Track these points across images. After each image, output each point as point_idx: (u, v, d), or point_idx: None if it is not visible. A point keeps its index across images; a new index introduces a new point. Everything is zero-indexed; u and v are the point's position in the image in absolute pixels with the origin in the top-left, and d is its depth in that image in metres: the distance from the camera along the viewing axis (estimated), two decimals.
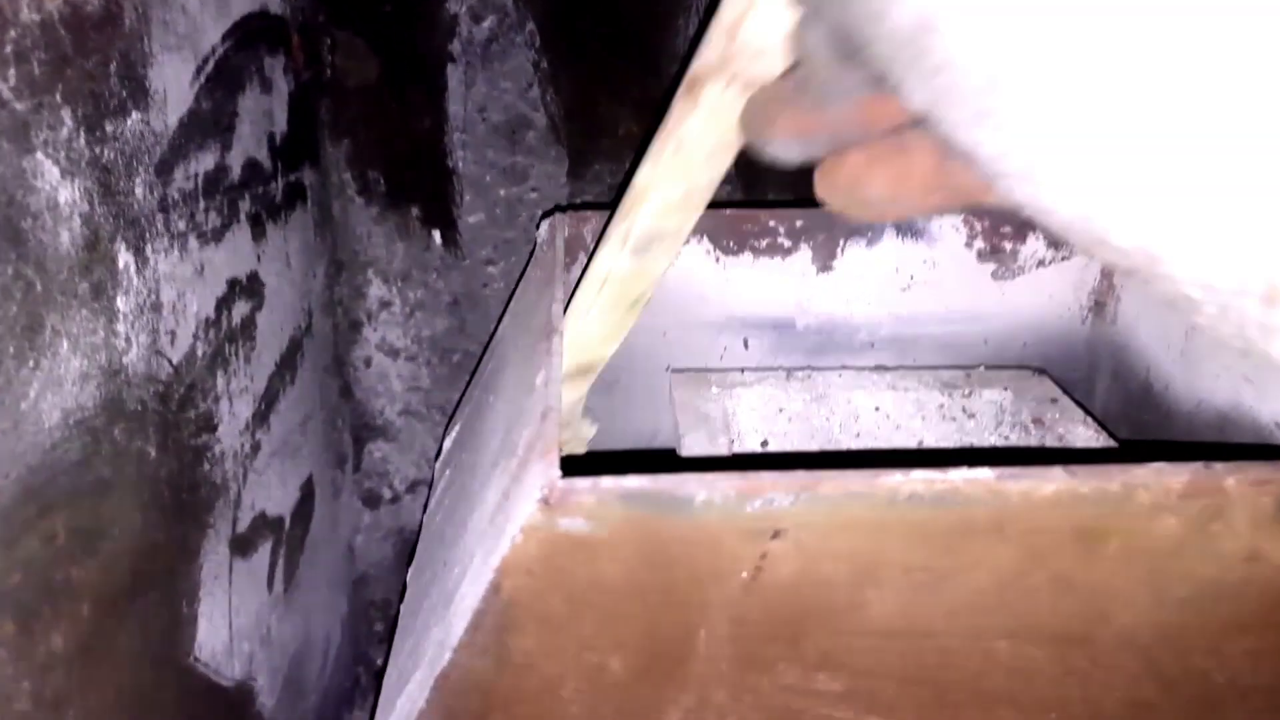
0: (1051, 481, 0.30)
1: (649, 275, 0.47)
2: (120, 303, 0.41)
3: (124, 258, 0.41)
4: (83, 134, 0.38)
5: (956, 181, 0.31)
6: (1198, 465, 0.31)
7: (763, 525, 0.30)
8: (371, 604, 0.80)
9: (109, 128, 0.40)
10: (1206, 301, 0.23)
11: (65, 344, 0.37)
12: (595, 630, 0.32)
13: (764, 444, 0.48)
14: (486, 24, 0.69)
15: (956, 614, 0.32)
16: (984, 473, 0.30)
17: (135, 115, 0.42)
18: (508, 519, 0.32)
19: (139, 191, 0.43)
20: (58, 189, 0.36)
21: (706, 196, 0.45)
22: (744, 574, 0.31)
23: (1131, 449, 0.44)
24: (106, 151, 0.40)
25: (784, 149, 0.36)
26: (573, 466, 0.31)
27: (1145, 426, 0.52)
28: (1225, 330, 0.24)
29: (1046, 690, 0.34)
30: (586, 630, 0.31)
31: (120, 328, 0.41)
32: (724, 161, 0.43)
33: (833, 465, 0.31)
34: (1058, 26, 0.22)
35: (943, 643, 0.33)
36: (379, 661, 0.80)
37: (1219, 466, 0.31)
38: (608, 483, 0.30)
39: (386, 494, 0.79)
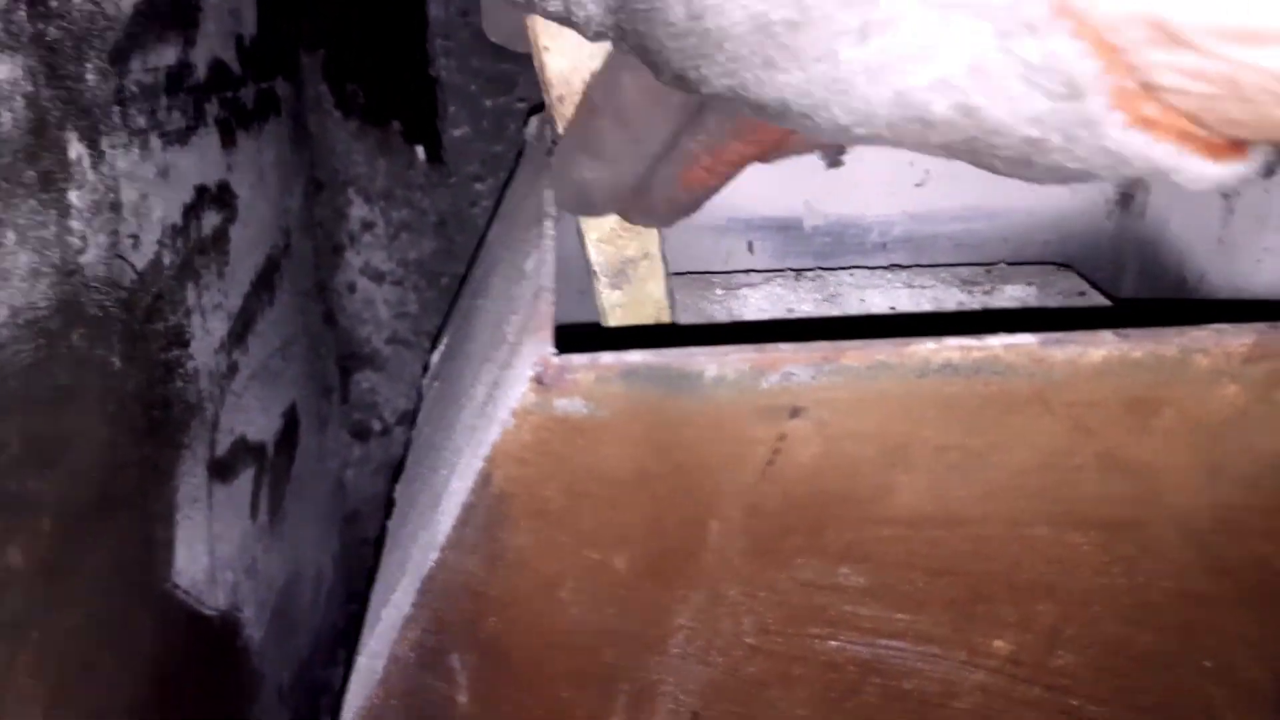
0: (1101, 346, 0.27)
1: (650, 300, 0.45)
2: (74, 197, 0.38)
3: (76, 148, 0.38)
4: (24, 5, 0.34)
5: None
6: (1263, 325, 0.28)
7: (780, 403, 0.27)
8: (365, 541, 0.77)
9: (53, 2, 0.36)
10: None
11: (11, 235, 0.33)
12: (596, 524, 0.29)
13: None
14: None
15: (993, 498, 0.29)
16: (1026, 339, 0.27)
17: None
18: (497, 406, 0.29)
19: (90, 78, 0.39)
20: None
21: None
22: (760, 458, 0.28)
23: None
24: (51, 29, 0.36)
25: (651, 224, 0.40)
26: (570, 343, 0.28)
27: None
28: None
29: (1089, 581, 0.31)
30: (586, 524, 0.29)
31: (75, 224, 0.38)
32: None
33: (857, 334, 0.28)
34: None
35: (977, 530, 0.30)
36: None
37: None
38: (608, 358, 0.27)
39: (376, 426, 0.76)
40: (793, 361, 0.27)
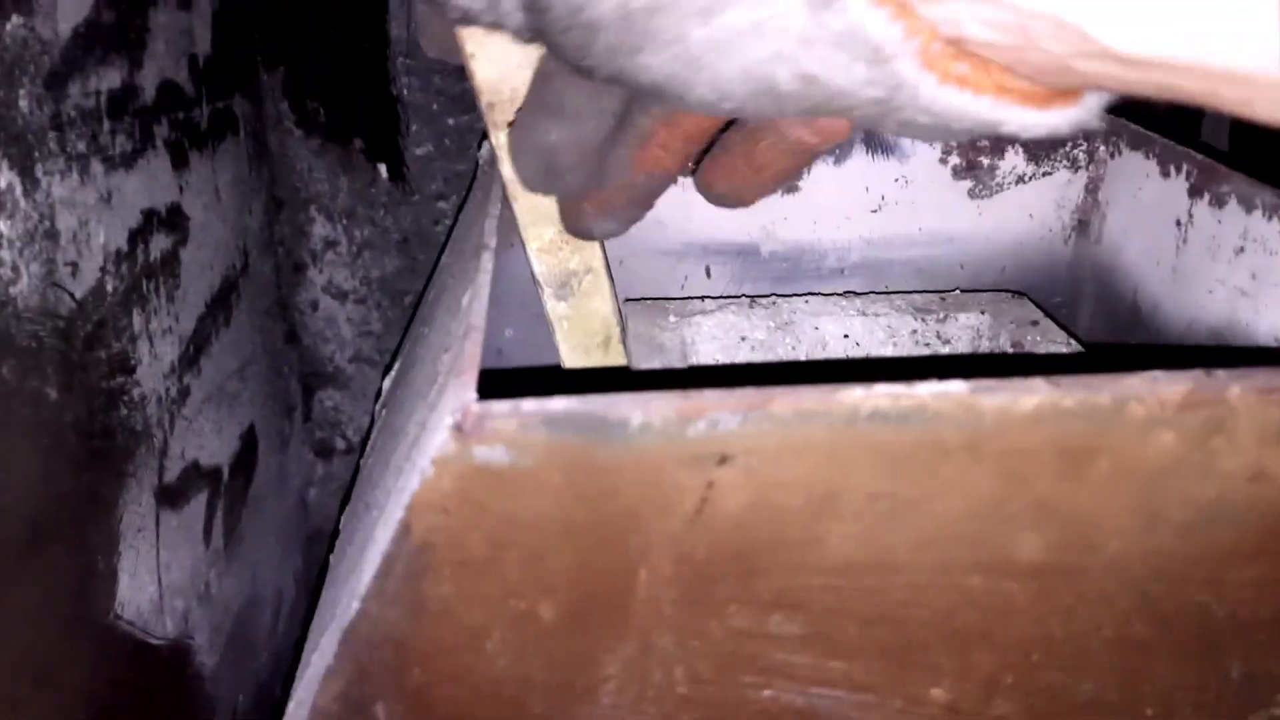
0: (1033, 394, 0.27)
1: (596, 315, 0.45)
2: (3, 227, 0.37)
3: (6, 177, 0.37)
4: None
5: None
6: (1198, 373, 0.27)
7: (708, 450, 0.27)
8: (326, 559, 0.77)
9: None
10: None
11: None
12: (521, 574, 0.28)
13: None
14: None
15: (925, 546, 0.29)
16: (956, 386, 0.27)
17: (16, 19, 0.38)
18: (420, 451, 0.29)
19: (23, 104, 0.38)
20: None
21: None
22: (688, 506, 0.28)
23: (1113, 354, 0.41)
24: None
25: (605, 226, 0.40)
26: (493, 388, 0.27)
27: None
28: None
29: (1027, 629, 0.30)
30: (511, 574, 0.28)
31: (5, 255, 0.37)
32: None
33: (786, 380, 0.27)
34: None
35: (910, 578, 0.29)
36: None
37: (1221, 374, 0.27)
38: (530, 405, 0.26)
39: (340, 444, 0.75)
40: (719, 408, 0.27)
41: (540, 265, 0.44)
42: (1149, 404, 0.27)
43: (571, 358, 0.47)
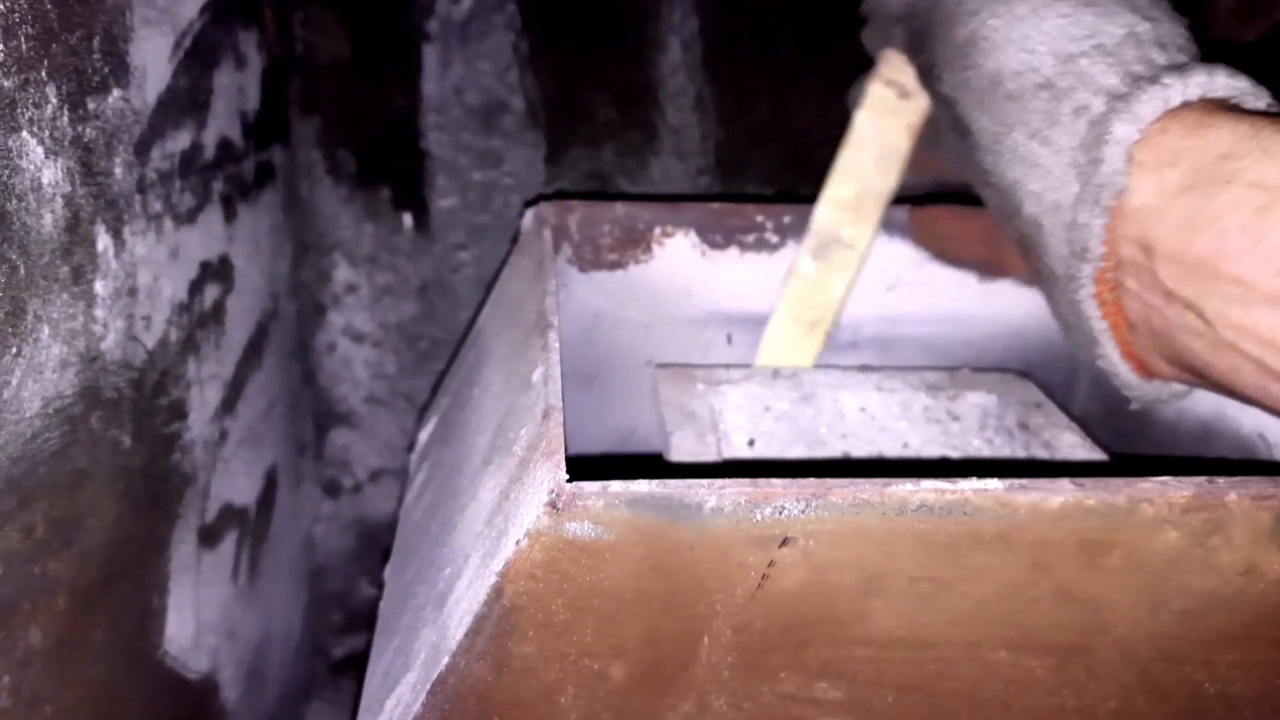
0: (1059, 494, 0.30)
1: (828, 290, 0.49)
2: (99, 287, 0.40)
3: (103, 240, 0.40)
4: (66, 111, 0.36)
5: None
6: (1201, 480, 0.31)
7: (771, 533, 0.30)
8: (330, 595, 0.79)
9: (91, 105, 0.39)
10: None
11: (46, 330, 0.35)
12: (597, 637, 0.31)
13: (751, 443, 0.48)
14: (466, 3, 0.68)
15: (958, 624, 0.32)
16: (994, 484, 0.30)
17: (116, 92, 0.41)
18: (509, 521, 0.32)
19: (118, 172, 0.41)
20: (41, 169, 0.34)
21: (877, 207, 0.49)
22: (751, 581, 0.31)
23: (1122, 461, 0.45)
24: (89, 130, 0.38)
25: None
26: (575, 470, 0.30)
27: (1126, 434, 0.53)
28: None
29: (1042, 700, 0.34)
30: (588, 637, 0.31)
31: (99, 313, 0.40)
32: (892, 168, 0.49)
33: (840, 474, 0.30)
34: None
35: (943, 653, 0.32)
36: (337, 653, 0.79)
37: (1222, 481, 0.31)
38: (616, 487, 0.29)
39: (348, 483, 0.78)
40: (784, 496, 0.30)
41: (821, 214, 0.49)
42: (1158, 505, 0.31)
43: (778, 322, 0.52)
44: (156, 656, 0.46)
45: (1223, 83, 0.34)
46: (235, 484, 0.57)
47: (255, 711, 0.62)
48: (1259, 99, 0.34)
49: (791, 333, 0.52)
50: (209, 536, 0.53)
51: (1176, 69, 0.34)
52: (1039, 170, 0.36)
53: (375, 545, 0.78)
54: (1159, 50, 0.36)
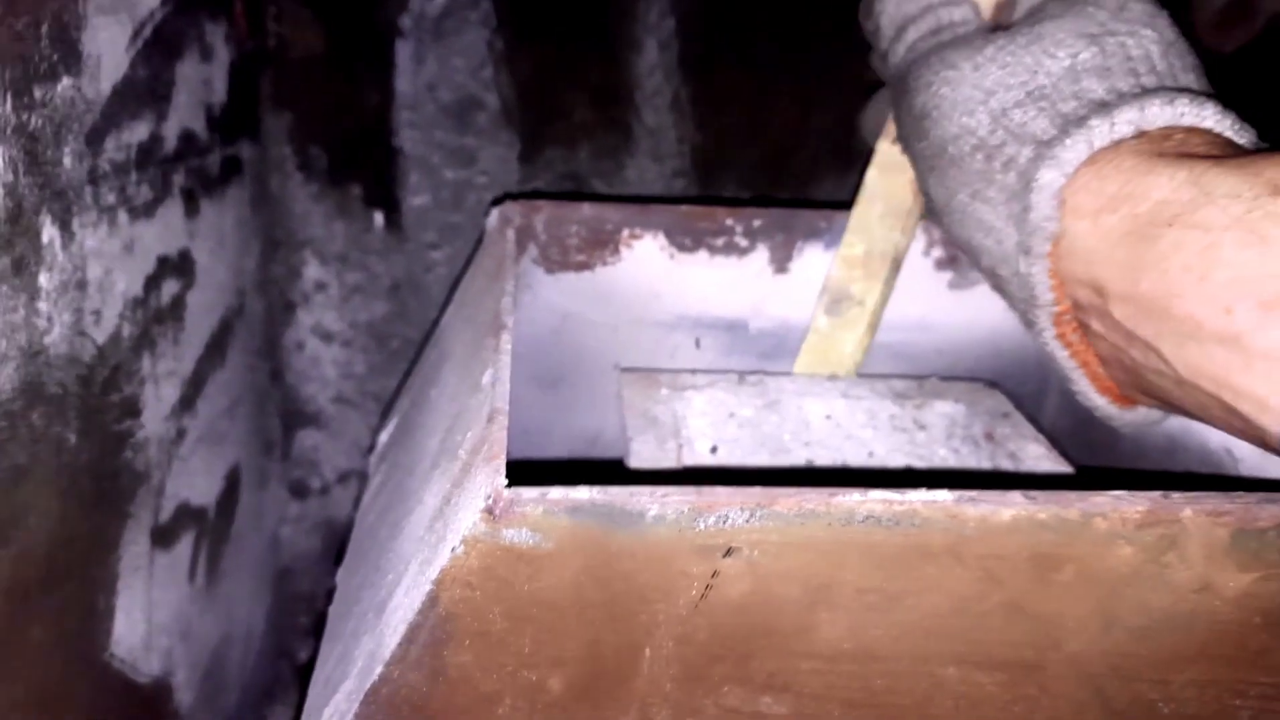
0: (1010, 507, 0.30)
1: (841, 345, 0.49)
2: (43, 280, 0.39)
3: (49, 232, 0.39)
4: (9, 99, 0.36)
5: None
6: (1156, 494, 0.30)
7: (715, 542, 0.29)
8: (296, 596, 0.78)
9: (38, 93, 0.38)
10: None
11: None
12: (535, 646, 0.30)
13: (713, 450, 0.47)
14: None
15: (907, 637, 0.31)
16: (943, 495, 0.30)
17: (66, 81, 0.40)
18: (447, 527, 0.31)
19: (67, 162, 0.40)
20: None
21: (885, 264, 0.50)
22: (693, 592, 0.30)
23: (1086, 474, 0.44)
24: (34, 119, 0.38)
25: None
26: (518, 475, 0.30)
27: (1094, 445, 0.52)
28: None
29: (994, 716, 0.33)
30: (526, 646, 0.30)
31: (42, 306, 0.39)
32: (899, 225, 0.49)
33: (787, 483, 0.30)
34: None
35: (891, 666, 0.32)
36: (302, 655, 0.78)
37: (1177, 496, 0.30)
38: (556, 493, 0.29)
39: (316, 484, 0.77)
40: (729, 505, 0.29)
41: (834, 271, 0.50)
42: (1112, 520, 0.30)
43: (801, 369, 0.52)
44: (102, 658, 0.45)
45: (1155, 113, 0.33)
46: (193, 483, 0.56)
47: (213, 715, 0.61)
48: (1205, 119, 0.33)
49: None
50: (163, 536, 0.52)
51: (1104, 107, 0.34)
52: (983, 226, 0.36)
53: (343, 547, 0.77)
54: (1098, 79, 0.35)
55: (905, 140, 0.42)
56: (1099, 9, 0.37)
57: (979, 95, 0.36)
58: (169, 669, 0.53)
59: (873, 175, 0.49)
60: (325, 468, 0.76)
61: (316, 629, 0.78)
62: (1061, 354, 0.36)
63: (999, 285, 0.38)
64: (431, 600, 0.29)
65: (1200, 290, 0.30)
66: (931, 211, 0.43)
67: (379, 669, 0.30)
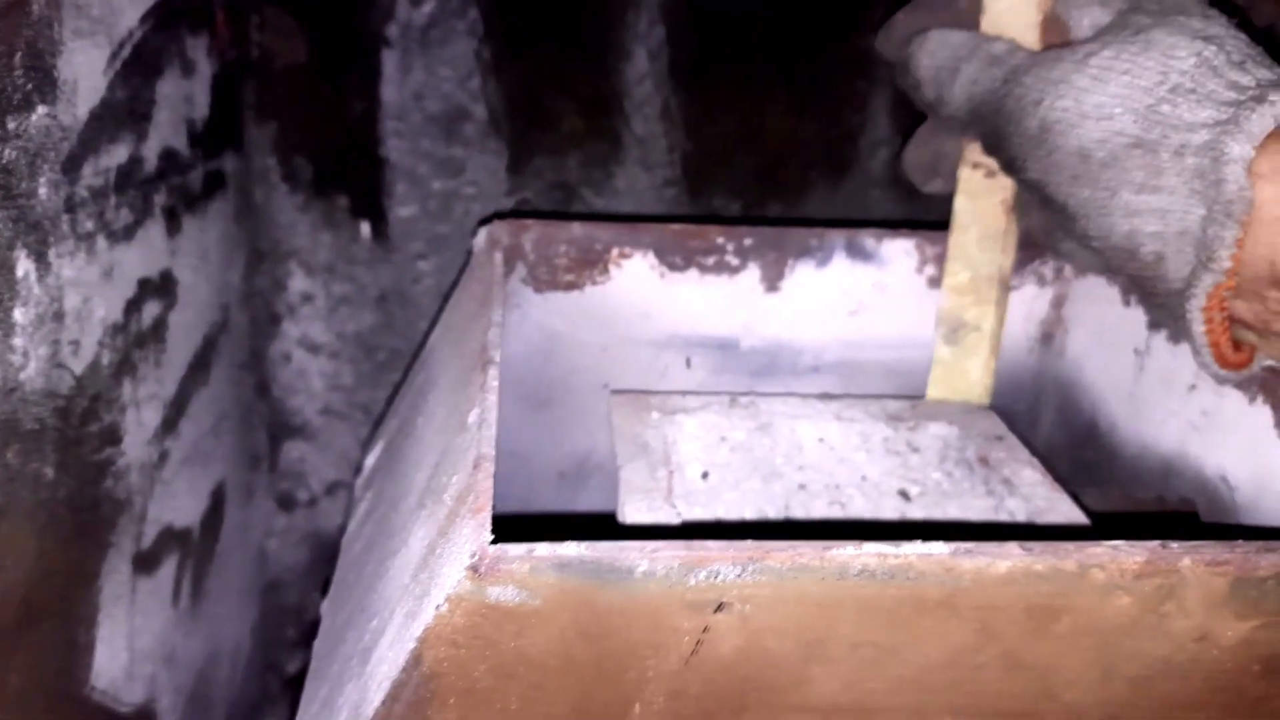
0: (1006, 559, 0.29)
1: (968, 373, 0.50)
2: (18, 315, 0.38)
3: (24, 266, 0.38)
4: None
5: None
6: (1154, 545, 0.30)
7: (706, 597, 0.29)
8: (284, 609, 0.77)
9: (10, 124, 0.37)
10: None
11: None
12: (522, 704, 0.30)
13: (705, 475, 0.46)
14: (427, 8, 0.66)
15: (902, 690, 0.31)
16: (938, 548, 0.29)
17: (41, 109, 0.39)
18: (432, 580, 0.30)
19: (42, 192, 0.39)
20: None
21: (993, 287, 0.50)
22: (684, 647, 0.29)
23: (1081, 506, 0.43)
24: (8, 151, 0.37)
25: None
26: (503, 529, 0.29)
27: (1089, 466, 0.51)
28: None
29: None
30: (513, 704, 0.30)
31: (17, 342, 0.38)
32: (997, 246, 0.49)
33: (780, 535, 0.29)
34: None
35: (888, 719, 0.31)
36: (290, 668, 0.77)
37: (1175, 546, 0.30)
38: (543, 550, 0.28)
39: (303, 496, 0.76)
40: (720, 560, 0.28)
41: (944, 301, 0.50)
42: (1109, 571, 0.30)
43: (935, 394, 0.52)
44: (83, 694, 0.44)
45: None
46: (177, 505, 0.55)
47: None
48: None
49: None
50: (146, 562, 0.51)
51: (1272, 85, 0.36)
52: (1155, 214, 0.37)
53: (330, 559, 0.76)
54: (1237, 71, 0.37)
55: (1015, 161, 0.42)
56: (1189, 17, 0.39)
57: (1111, 101, 0.38)
58: (152, 695, 0.52)
59: (961, 202, 0.49)
60: (312, 480, 0.75)
61: (305, 641, 0.78)
62: (1198, 328, 0.38)
63: (1150, 271, 0.39)
64: (415, 659, 0.29)
65: None
66: (1039, 221, 0.44)
67: None
